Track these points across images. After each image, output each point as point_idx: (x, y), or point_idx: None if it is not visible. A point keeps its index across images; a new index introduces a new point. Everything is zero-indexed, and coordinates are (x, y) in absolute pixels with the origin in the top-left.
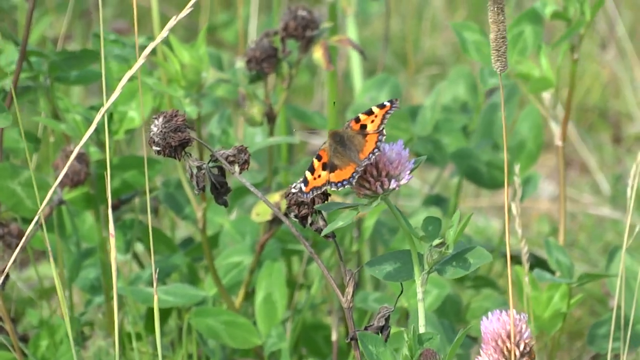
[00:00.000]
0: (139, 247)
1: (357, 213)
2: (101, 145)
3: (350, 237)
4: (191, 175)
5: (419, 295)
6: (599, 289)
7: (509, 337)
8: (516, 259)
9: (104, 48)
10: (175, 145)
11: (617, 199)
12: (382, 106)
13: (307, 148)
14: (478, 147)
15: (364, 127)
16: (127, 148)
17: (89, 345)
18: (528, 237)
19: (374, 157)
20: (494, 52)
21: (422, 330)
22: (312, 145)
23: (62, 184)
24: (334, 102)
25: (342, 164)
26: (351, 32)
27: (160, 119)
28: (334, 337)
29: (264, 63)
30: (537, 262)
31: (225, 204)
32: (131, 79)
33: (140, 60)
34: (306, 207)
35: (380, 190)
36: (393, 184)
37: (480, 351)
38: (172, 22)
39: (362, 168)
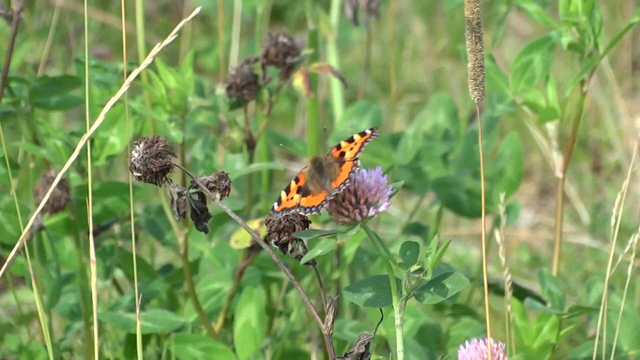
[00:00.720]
0: (119, 274)
1: (335, 241)
2: (81, 170)
3: (330, 265)
4: (172, 201)
5: (397, 321)
6: (578, 317)
7: None
8: (494, 288)
9: (84, 73)
10: (156, 171)
11: (597, 228)
12: (362, 134)
13: (287, 175)
14: (458, 176)
15: (343, 154)
16: (106, 174)
17: None
18: (508, 267)
19: (344, 187)
20: (471, 81)
21: (400, 356)
22: (292, 172)
23: (42, 210)
24: (324, 129)
25: (315, 190)
26: (332, 59)
27: (142, 145)
28: None
29: (245, 90)
30: (518, 291)
31: (205, 230)
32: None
33: (125, 87)
34: (286, 234)
35: (358, 218)
36: (371, 212)
37: None
38: (156, 49)
39: (331, 197)
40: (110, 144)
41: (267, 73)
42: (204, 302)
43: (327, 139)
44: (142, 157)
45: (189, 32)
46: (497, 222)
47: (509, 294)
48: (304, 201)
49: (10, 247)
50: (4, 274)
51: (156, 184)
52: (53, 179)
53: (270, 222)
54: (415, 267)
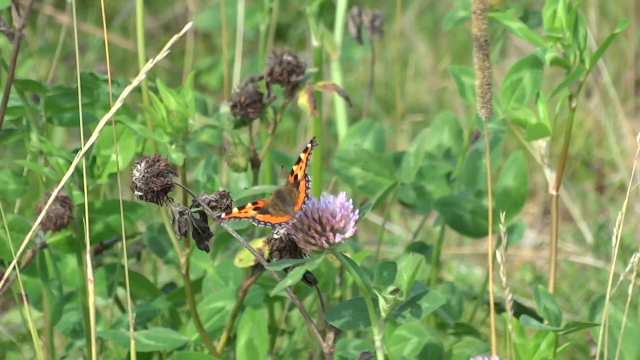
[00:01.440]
0: (122, 292)
1: (305, 270)
2: (83, 189)
3: (332, 284)
4: (173, 220)
5: (377, 343)
6: (581, 336)
7: None
8: (497, 307)
9: (96, 88)
10: (157, 190)
11: (600, 247)
12: (305, 150)
13: None
14: (462, 195)
15: (296, 177)
16: (109, 192)
17: None
18: (511, 286)
19: (305, 206)
20: (479, 99)
21: None
22: None
23: (45, 228)
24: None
25: (276, 213)
26: (336, 77)
27: (143, 164)
28: None
29: (249, 108)
30: (521, 310)
31: (206, 249)
32: (115, 122)
33: (117, 104)
34: (288, 253)
35: (326, 245)
36: (338, 238)
37: None
38: (149, 64)
39: (294, 220)
40: (112, 162)
41: (272, 91)
42: (207, 321)
43: (329, 157)
44: (143, 176)
45: (191, 50)
46: (500, 242)
47: (510, 313)
48: (260, 216)
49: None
50: (6, 291)
51: (157, 203)
52: (56, 197)
53: (272, 241)
54: (390, 288)
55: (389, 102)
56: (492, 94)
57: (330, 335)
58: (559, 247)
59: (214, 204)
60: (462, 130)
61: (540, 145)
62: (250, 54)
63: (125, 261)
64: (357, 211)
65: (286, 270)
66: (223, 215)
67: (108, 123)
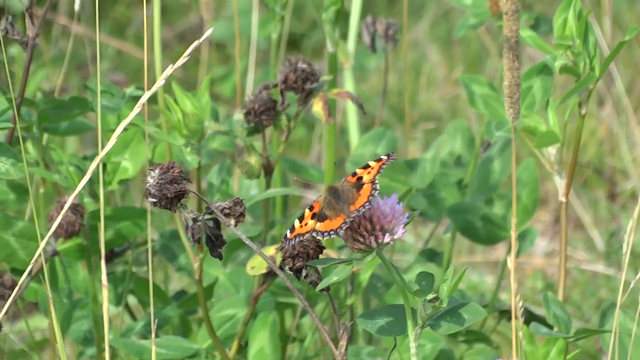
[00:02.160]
0: (132, 300)
1: (351, 268)
2: (95, 196)
3: (344, 291)
4: (187, 227)
5: (412, 350)
6: (592, 345)
7: None
8: (508, 314)
9: (93, 99)
10: (171, 197)
11: (612, 255)
12: (378, 160)
13: (302, 202)
14: (473, 202)
15: (360, 179)
16: (121, 199)
17: None
18: (522, 293)
19: (364, 209)
20: (507, 99)
21: None
22: (307, 199)
23: (56, 235)
24: (334, 162)
25: (333, 215)
26: (348, 86)
27: (157, 171)
28: None
29: (263, 115)
30: (532, 318)
31: (220, 257)
32: (125, 129)
33: (137, 109)
34: (301, 260)
35: (374, 245)
36: (387, 238)
37: None
38: (168, 71)
39: (351, 219)
40: (122, 169)
41: (286, 99)
42: (218, 328)
43: (343, 166)
44: (157, 182)
45: (205, 60)
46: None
47: (520, 320)
48: (321, 226)
49: (23, 273)
50: (17, 300)
51: (171, 210)
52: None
53: (285, 248)
54: (431, 296)
55: (402, 110)
56: (520, 94)
57: (343, 343)
58: (571, 255)
59: (227, 211)
60: (474, 138)
61: (550, 152)
62: (263, 63)
63: (146, 268)
64: (407, 214)
65: (299, 275)
66: (288, 234)
67: (114, 130)
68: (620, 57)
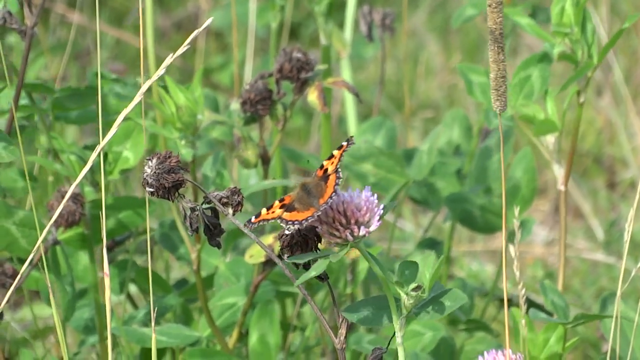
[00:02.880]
0: (133, 289)
1: (328, 262)
2: (96, 185)
3: (344, 280)
4: (185, 217)
5: (398, 339)
6: (592, 333)
7: None
8: (509, 302)
9: (104, 87)
10: (168, 186)
11: (611, 244)
12: (339, 147)
13: None
14: (472, 191)
15: (326, 171)
16: (123, 188)
17: None
18: (522, 282)
19: (331, 200)
20: (493, 91)
21: None
22: None
23: (57, 224)
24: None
25: (302, 207)
26: (345, 75)
27: (154, 161)
28: None
29: (259, 105)
30: (532, 306)
31: (218, 246)
32: (127, 118)
33: (136, 99)
34: (299, 249)
35: (350, 238)
36: (362, 231)
37: None
38: (168, 60)
39: (318, 213)
40: (123, 158)
41: (282, 88)
42: (219, 317)
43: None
44: (154, 172)
45: (203, 49)
46: (510, 238)
47: (523, 308)
48: (287, 215)
49: (24, 262)
50: (19, 288)
51: (169, 200)
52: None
53: (283, 237)
54: (413, 285)
55: (400, 99)
56: (506, 86)
57: (342, 331)
58: (571, 244)
59: (225, 200)
60: (472, 127)
61: (548, 141)
62: (262, 52)
63: (149, 257)
64: (381, 206)
65: (298, 266)
66: (253, 219)
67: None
68: (618, 45)
